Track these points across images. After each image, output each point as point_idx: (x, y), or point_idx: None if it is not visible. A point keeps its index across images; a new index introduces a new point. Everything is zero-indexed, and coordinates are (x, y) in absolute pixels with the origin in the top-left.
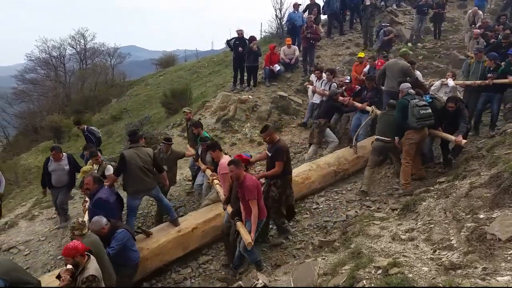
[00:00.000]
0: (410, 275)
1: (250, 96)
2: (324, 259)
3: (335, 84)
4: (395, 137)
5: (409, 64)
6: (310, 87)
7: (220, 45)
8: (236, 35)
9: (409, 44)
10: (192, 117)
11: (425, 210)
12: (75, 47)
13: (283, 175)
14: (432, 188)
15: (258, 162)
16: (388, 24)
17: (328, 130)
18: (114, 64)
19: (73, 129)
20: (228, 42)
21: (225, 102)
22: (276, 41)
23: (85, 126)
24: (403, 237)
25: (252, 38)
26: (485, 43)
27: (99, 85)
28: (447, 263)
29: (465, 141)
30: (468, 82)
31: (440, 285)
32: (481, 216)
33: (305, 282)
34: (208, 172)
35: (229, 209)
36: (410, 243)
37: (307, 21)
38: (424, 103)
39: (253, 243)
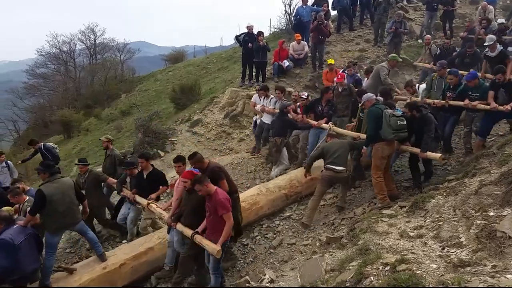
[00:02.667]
0: (418, 272)
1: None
2: (331, 255)
3: (285, 102)
4: (364, 147)
5: (385, 66)
6: (258, 106)
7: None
8: (246, 31)
9: (419, 41)
10: (111, 146)
11: (434, 208)
12: (85, 42)
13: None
14: (441, 186)
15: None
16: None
17: (284, 150)
18: (123, 59)
19: (83, 124)
20: (237, 37)
21: (234, 97)
22: (285, 37)
23: (42, 144)
24: (411, 234)
25: (259, 33)
26: (439, 50)
27: (109, 80)
28: (456, 261)
29: (439, 155)
30: (429, 101)
31: (449, 281)
32: (491, 213)
33: (312, 278)
34: (140, 200)
35: (181, 227)
36: (418, 240)
37: (317, 17)
38: (400, 113)
39: (221, 251)
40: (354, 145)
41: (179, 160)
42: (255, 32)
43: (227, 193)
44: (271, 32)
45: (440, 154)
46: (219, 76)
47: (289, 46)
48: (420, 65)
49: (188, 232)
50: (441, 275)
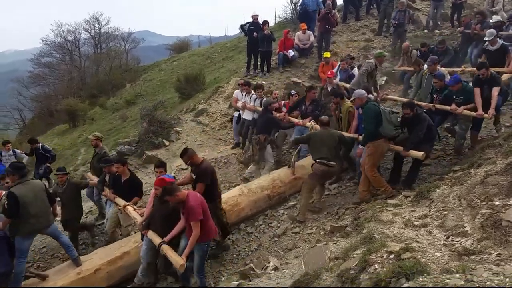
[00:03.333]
0: (423, 260)
1: (263, 82)
2: (335, 243)
3: (269, 99)
4: (360, 146)
5: (371, 62)
6: (239, 103)
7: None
8: (251, 20)
9: (426, 31)
10: (100, 144)
11: (439, 197)
12: (89, 31)
13: (209, 201)
14: (446, 176)
15: None
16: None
17: (268, 148)
18: (128, 49)
19: (88, 113)
20: (242, 27)
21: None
22: (290, 26)
23: (41, 144)
24: (416, 223)
25: (264, 23)
26: (419, 53)
27: (114, 69)
28: (460, 249)
29: (421, 153)
30: (417, 102)
31: (453, 269)
32: (497, 203)
33: (316, 266)
34: (119, 201)
35: (151, 234)
36: (423, 229)
37: (325, 5)
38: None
39: (185, 265)
40: (343, 138)
41: (160, 165)
42: (260, 21)
43: (209, 200)
44: (276, 22)
45: (422, 153)
46: (224, 66)
47: (294, 35)
48: (401, 69)
49: (156, 240)
50: (446, 263)
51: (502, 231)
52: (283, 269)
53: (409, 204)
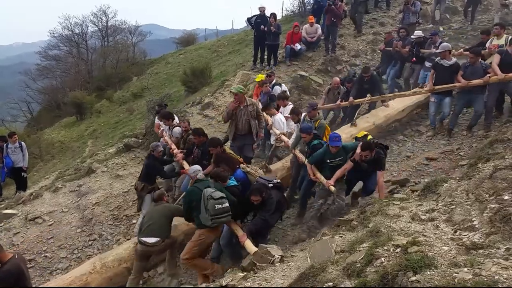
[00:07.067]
0: (430, 254)
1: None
2: (341, 237)
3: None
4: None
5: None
6: (160, 130)
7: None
8: (258, 13)
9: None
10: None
11: (446, 191)
12: (97, 24)
13: None
14: (453, 170)
15: None
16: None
17: (147, 199)
18: (135, 42)
19: (95, 105)
20: (249, 19)
21: (245, 81)
22: (297, 19)
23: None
24: (423, 217)
25: (272, 15)
26: (346, 89)
27: (120, 62)
28: (468, 243)
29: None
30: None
31: (461, 263)
32: (506, 197)
33: (322, 259)
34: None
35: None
36: (430, 223)
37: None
38: (221, 194)
39: None
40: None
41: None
42: (267, 14)
43: None
44: (283, 15)
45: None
46: (230, 59)
47: (302, 29)
48: (327, 107)
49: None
50: (453, 257)
51: (511, 226)
52: (288, 262)
53: (416, 198)
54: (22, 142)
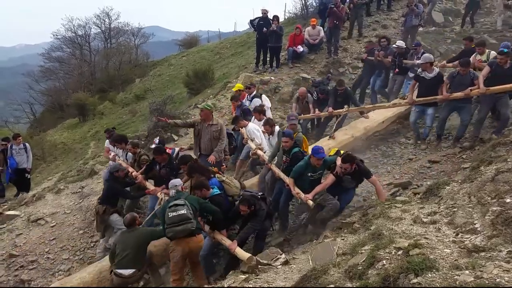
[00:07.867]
0: (432, 256)
1: (272, 78)
2: (343, 239)
3: (116, 164)
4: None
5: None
6: (111, 155)
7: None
8: (260, 15)
9: (434, 28)
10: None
11: (448, 194)
12: (100, 26)
13: None
14: (456, 173)
15: None
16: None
17: (114, 218)
18: (138, 44)
19: (98, 107)
20: (251, 22)
21: (247, 83)
22: (300, 22)
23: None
24: (425, 220)
25: (275, 18)
26: (317, 95)
27: (123, 64)
28: (470, 246)
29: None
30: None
31: (463, 266)
32: (508, 200)
33: (323, 261)
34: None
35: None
36: (432, 226)
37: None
38: (176, 202)
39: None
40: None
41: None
42: (270, 16)
43: None
44: (286, 17)
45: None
46: (233, 61)
47: (304, 31)
48: (308, 117)
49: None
50: (455, 260)
51: None
52: (290, 264)
53: (418, 201)
54: (26, 144)
